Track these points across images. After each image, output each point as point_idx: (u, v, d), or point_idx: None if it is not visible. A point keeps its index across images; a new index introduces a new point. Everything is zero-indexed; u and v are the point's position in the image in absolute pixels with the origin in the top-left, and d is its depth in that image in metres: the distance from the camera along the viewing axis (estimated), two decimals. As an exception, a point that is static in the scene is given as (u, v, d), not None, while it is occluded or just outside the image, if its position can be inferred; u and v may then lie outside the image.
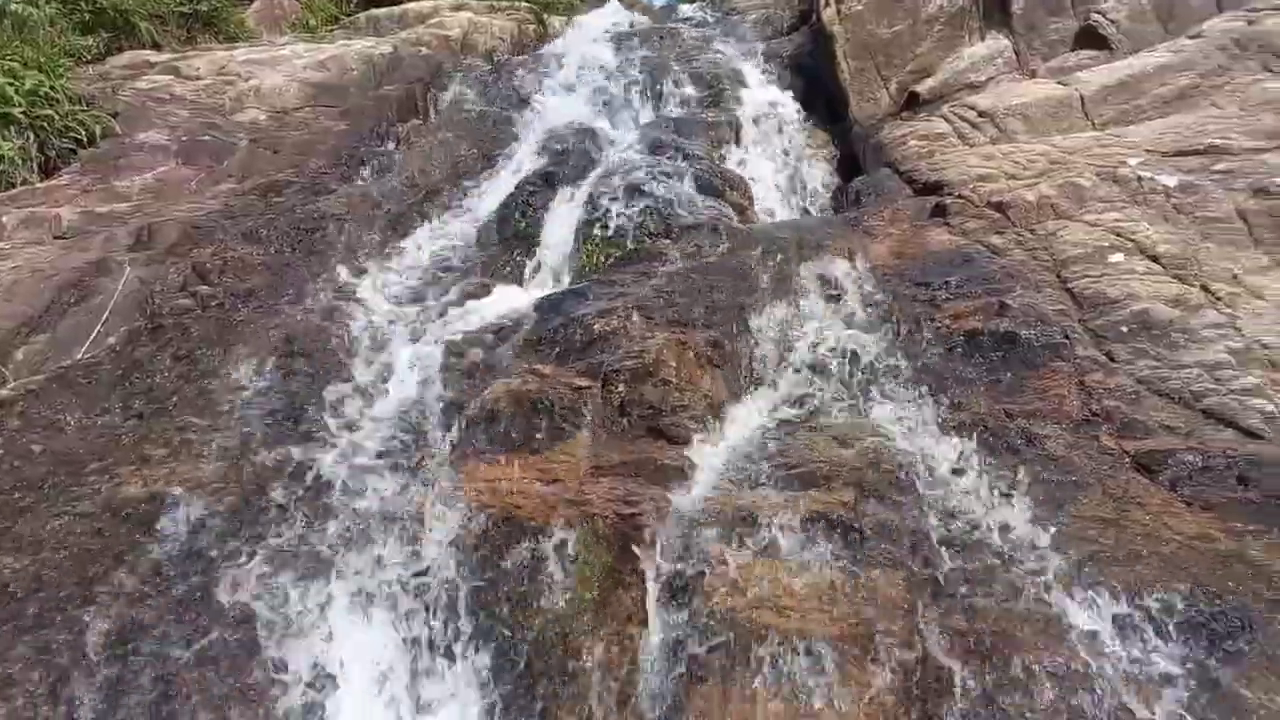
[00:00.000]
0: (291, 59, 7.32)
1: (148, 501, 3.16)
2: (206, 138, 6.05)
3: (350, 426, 3.64)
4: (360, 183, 5.82)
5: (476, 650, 2.90)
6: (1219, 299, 3.67)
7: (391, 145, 6.47)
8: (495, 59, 8.28)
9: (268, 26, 9.33)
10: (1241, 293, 3.68)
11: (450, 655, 2.90)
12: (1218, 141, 4.78)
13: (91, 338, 4.08)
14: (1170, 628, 2.43)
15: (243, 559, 3.01)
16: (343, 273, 4.65)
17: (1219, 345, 3.42)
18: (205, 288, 4.40)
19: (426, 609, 2.98)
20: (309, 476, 3.30)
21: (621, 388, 3.68)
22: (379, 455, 3.48)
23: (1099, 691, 2.37)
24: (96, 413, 3.69)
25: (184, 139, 5.96)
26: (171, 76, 6.86)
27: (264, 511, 3.16)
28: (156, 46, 7.87)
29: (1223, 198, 4.29)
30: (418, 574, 3.04)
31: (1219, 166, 4.56)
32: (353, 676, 2.85)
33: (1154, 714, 2.31)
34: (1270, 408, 3.08)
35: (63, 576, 2.94)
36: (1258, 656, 2.34)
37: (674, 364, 3.77)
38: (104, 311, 4.21)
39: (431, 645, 2.95)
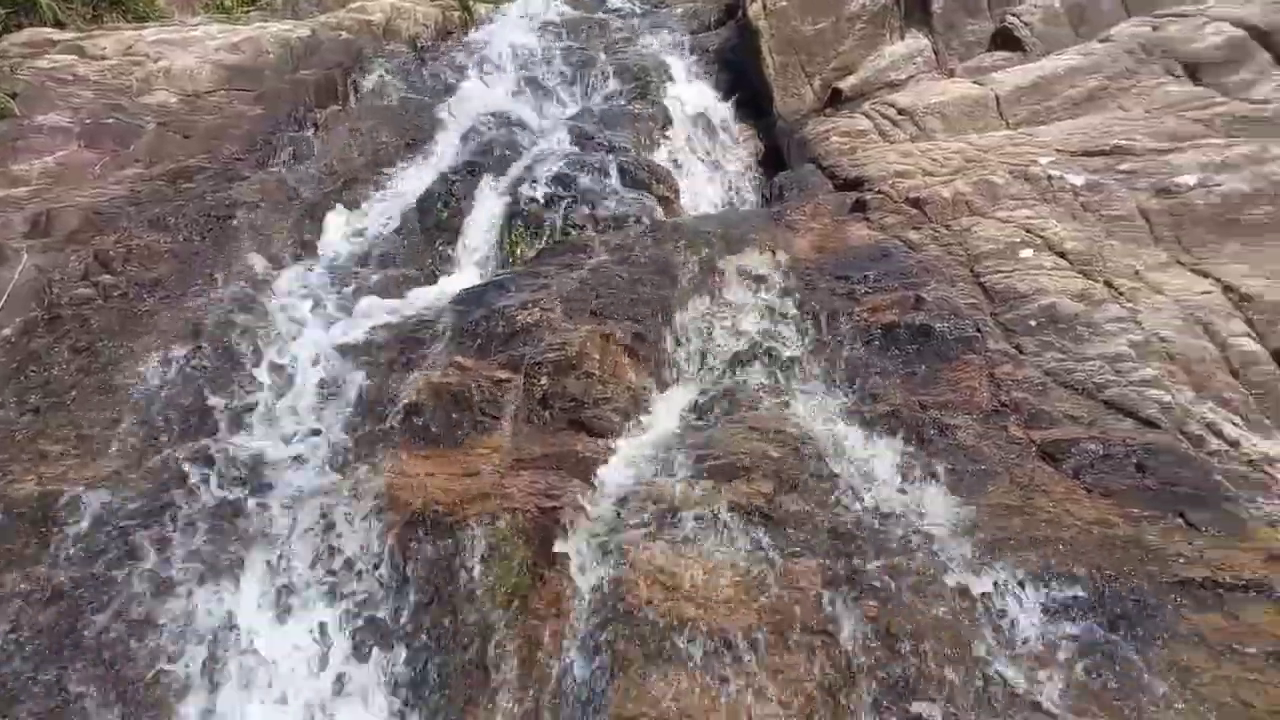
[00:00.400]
0: (204, 40, 7.05)
1: (43, 500, 3.02)
2: (111, 120, 5.79)
3: (262, 420, 3.54)
4: (276, 169, 5.63)
5: (392, 647, 2.85)
6: (1121, 294, 3.81)
7: (309, 131, 6.28)
8: (419, 45, 8.11)
9: (180, 6, 8.98)
10: (1142, 288, 3.83)
11: (365, 653, 2.83)
12: (1123, 142, 4.96)
13: (-16, 329, 3.88)
14: (1071, 609, 2.52)
15: (145, 559, 2.90)
16: (256, 262, 4.50)
17: (1121, 339, 3.55)
18: (108, 277, 4.21)
19: (340, 607, 2.92)
20: (217, 472, 3.19)
21: (544, 380, 3.66)
22: (292, 449, 3.39)
23: (1005, 671, 2.45)
24: (-11, 407, 3.52)
25: (87, 121, 5.69)
26: (75, 56, 6.54)
27: (168, 509, 3.05)
28: (60, 25, 7.49)
29: (1126, 197, 4.45)
30: (331, 571, 2.97)
31: (1123, 166, 4.73)
32: (260, 678, 2.77)
33: (1056, 691, 2.39)
34: (1167, 398, 3.21)
35: (-50, 580, 2.80)
36: (1152, 636, 2.44)
37: (597, 356, 3.76)
38: (-2, 301, 4.01)
39: (347, 643, 2.88)
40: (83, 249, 4.37)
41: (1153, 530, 2.73)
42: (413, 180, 5.83)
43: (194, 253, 4.51)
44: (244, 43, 7.01)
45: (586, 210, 5.21)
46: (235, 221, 4.79)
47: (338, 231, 5.21)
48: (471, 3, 9.60)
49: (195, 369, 3.68)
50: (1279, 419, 3.13)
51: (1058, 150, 5.07)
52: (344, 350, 3.93)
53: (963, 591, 2.64)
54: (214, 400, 3.53)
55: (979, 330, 3.73)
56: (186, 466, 3.17)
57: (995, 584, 2.60)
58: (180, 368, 3.68)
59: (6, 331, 3.87)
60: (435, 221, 5.31)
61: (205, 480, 3.13)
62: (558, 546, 2.91)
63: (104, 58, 6.60)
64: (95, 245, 4.39)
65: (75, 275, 4.20)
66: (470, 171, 5.65)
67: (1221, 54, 5.56)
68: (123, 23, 7.99)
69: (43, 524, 2.96)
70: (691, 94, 7.44)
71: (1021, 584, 2.58)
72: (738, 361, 3.96)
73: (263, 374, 3.74)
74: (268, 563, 2.94)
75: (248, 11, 8.91)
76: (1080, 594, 2.54)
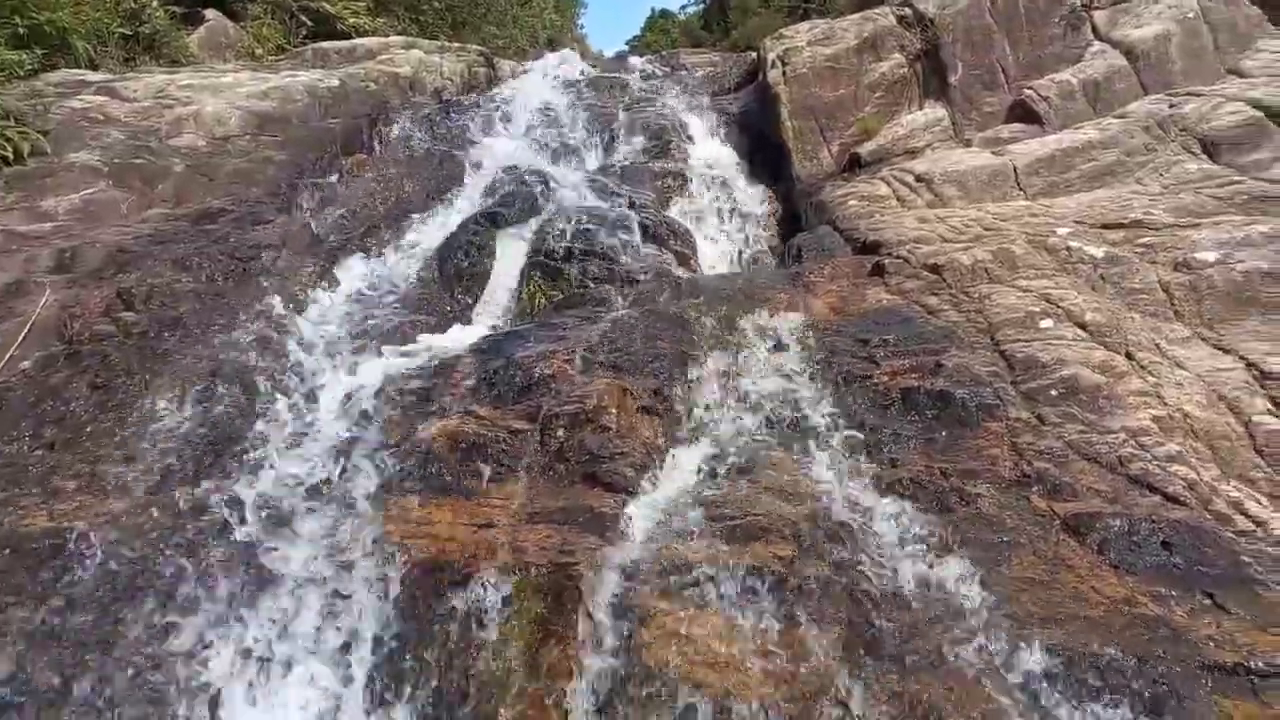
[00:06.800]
0: (234, 87, 7.19)
1: (53, 537, 2.99)
2: (140, 160, 5.88)
3: (276, 462, 3.50)
4: (299, 214, 5.70)
5: (400, 699, 2.79)
6: (1143, 367, 3.79)
7: (334, 178, 6.37)
8: (444, 99, 8.26)
9: (212, 53, 9.18)
10: (1164, 362, 3.81)
11: (373, 704, 2.77)
12: (1141, 216, 4.99)
13: (4, 361, 3.88)
14: (1102, 692, 2.45)
15: (152, 602, 2.85)
16: (276, 304, 4.52)
17: (1143, 413, 3.52)
18: (129, 314, 4.23)
19: (349, 655, 2.86)
20: (230, 514, 3.16)
21: (561, 432, 3.63)
22: (306, 493, 3.36)
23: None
24: (4, 440, 3.49)
25: (116, 161, 5.77)
26: (107, 97, 6.67)
27: (178, 550, 3.01)
28: (94, 66, 7.66)
29: (1146, 270, 4.47)
30: (341, 617, 2.92)
31: (1143, 240, 4.76)
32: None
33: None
34: (1192, 475, 3.17)
35: (-45, 614, 2.75)
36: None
37: (614, 410, 3.74)
38: (19, 334, 4.01)
39: (354, 692, 2.82)
40: (105, 286, 4.39)
41: (1180, 610, 2.67)
42: (435, 228, 5.89)
43: (216, 293, 4.54)
44: (273, 90, 7.15)
45: (606, 264, 5.24)
46: (258, 263, 4.83)
47: (360, 276, 5.24)
48: (496, 60, 9.80)
49: (212, 408, 3.66)
50: (1307, 499, 3.08)
51: (1076, 222, 5.11)
52: (361, 394, 3.92)
53: (985, 665, 2.58)
54: (230, 439, 3.52)
55: (1000, 398, 3.70)
56: (200, 506, 3.14)
57: (1021, 659, 2.54)
58: (198, 406, 3.67)
59: (26, 365, 3.87)
60: (455, 269, 5.35)
61: (218, 521, 3.10)
62: (571, 603, 2.86)
63: (135, 100, 6.73)
64: (118, 283, 4.41)
65: (97, 311, 4.21)
66: (492, 221, 5.72)
67: (1238, 133, 5.62)
68: (155, 67, 8.16)
69: (51, 561, 2.92)
70: (710, 154, 7.56)
71: (1048, 660, 2.52)
72: (756, 420, 3.93)
73: (280, 415, 3.73)
74: (277, 607, 2.89)
75: (277, 60, 9.09)
76: (1109, 674, 2.47)
